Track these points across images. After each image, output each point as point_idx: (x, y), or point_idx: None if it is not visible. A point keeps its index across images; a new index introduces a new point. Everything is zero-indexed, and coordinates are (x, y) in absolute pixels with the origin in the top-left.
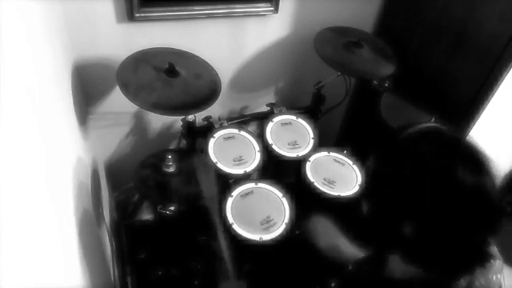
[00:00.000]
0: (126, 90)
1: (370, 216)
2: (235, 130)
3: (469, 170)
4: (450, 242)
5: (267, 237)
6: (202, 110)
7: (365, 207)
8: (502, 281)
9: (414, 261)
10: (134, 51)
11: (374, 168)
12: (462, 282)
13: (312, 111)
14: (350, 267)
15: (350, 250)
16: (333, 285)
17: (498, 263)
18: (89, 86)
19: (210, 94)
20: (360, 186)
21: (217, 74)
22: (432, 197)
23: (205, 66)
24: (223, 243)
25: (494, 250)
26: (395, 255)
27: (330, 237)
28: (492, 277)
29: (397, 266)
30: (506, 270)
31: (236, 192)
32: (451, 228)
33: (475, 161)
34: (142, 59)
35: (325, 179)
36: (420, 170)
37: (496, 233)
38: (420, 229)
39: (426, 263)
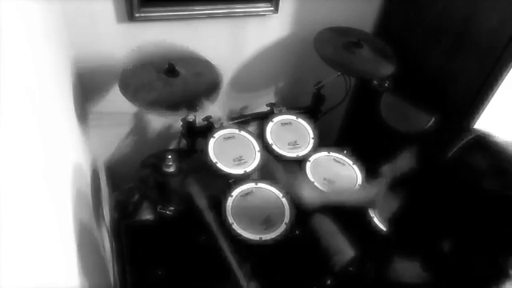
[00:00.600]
0: (125, 90)
1: (399, 223)
2: (235, 130)
3: (498, 179)
4: (483, 260)
5: (267, 237)
6: (202, 107)
7: (388, 211)
8: None
9: (436, 272)
10: (134, 51)
11: (417, 174)
12: None
13: (312, 111)
14: (351, 268)
15: (349, 249)
16: (328, 282)
17: None
18: (89, 86)
19: (210, 90)
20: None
21: (218, 70)
22: (483, 216)
23: (205, 64)
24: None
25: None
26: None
27: (331, 236)
28: None
29: (404, 268)
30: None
31: (236, 192)
32: (492, 247)
33: (503, 169)
34: (143, 59)
35: (325, 179)
36: (476, 188)
37: None
38: (460, 246)
39: (447, 276)
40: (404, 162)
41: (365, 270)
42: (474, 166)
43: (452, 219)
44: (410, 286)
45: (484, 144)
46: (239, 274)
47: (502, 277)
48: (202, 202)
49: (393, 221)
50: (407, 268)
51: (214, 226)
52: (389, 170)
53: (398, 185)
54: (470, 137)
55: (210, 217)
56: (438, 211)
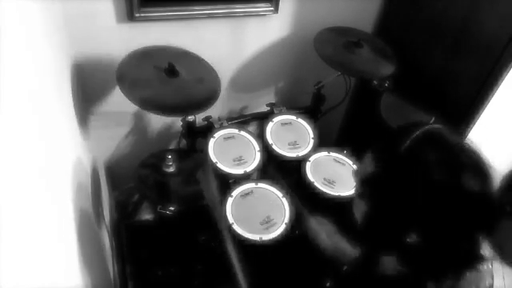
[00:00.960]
0: (122, 82)
1: (369, 222)
2: (235, 130)
3: (474, 177)
4: (450, 247)
5: (267, 237)
6: (197, 113)
7: (360, 211)
8: (503, 282)
9: (410, 264)
10: (134, 51)
11: (375, 173)
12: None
13: (312, 111)
14: (345, 267)
15: (348, 250)
16: (327, 285)
17: (492, 266)
18: (89, 86)
19: (207, 98)
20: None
21: (217, 76)
22: (439, 206)
23: (206, 67)
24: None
25: (489, 252)
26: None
27: (329, 237)
28: (484, 283)
29: (390, 262)
30: (506, 269)
31: (236, 192)
32: (454, 234)
33: (479, 167)
34: (144, 57)
35: (325, 179)
36: (427, 180)
37: (492, 234)
38: (425, 237)
39: (421, 266)
40: (367, 163)
41: (357, 267)
42: (424, 158)
43: (411, 212)
44: (393, 279)
45: (433, 136)
46: (240, 274)
47: (474, 259)
48: (213, 195)
49: (363, 222)
50: (388, 261)
51: (223, 224)
52: (355, 175)
53: (363, 187)
54: (420, 130)
55: (220, 212)
56: (398, 206)
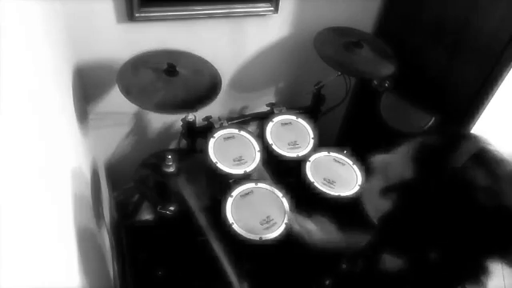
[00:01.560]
0: (128, 93)
1: (390, 223)
2: (235, 130)
3: (491, 190)
4: (466, 265)
5: (267, 237)
6: (206, 104)
7: (380, 208)
8: (503, 282)
9: (422, 275)
10: (134, 51)
11: (416, 181)
12: None
13: (312, 111)
14: (344, 266)
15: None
16: (327, 283)
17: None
18: (89, 86)
19: (211, 88)
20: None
21: (215, 68)
22: (476, 229)
23: (203, 62)
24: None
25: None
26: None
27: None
28: None
29: (392, 261)
30: (506, 270)
31: (236, 192)
32: (475, 255)
33: (496, 177)
34: (142, 61)
35: (325, 179)
36: (472, 204)
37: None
38: (447, 257)
39: (433, 278)
40: (399, 158)
41: (357, 265)
42: (475, 182)
43: (443, 230)
44: (395, 277)
45: (485, 160)
46: (232, 274)
47: (481, 273)
48: (193, 203)
49: (383, 221)
50: (390, 260)
51: (206, 228)
52: (380, 162)
53: (393, 187)
54: (474, 151)
55: (201, 218)
56: (429, 220)
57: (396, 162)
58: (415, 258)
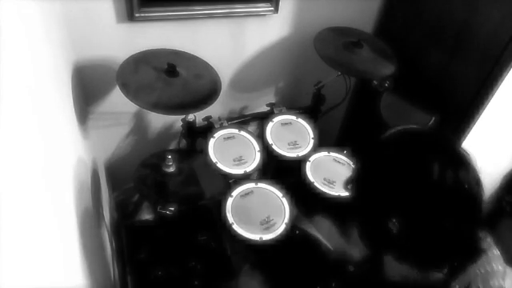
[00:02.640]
0: (126, 90)
1: (358, 214)
2: (235, 130)
3: (446, 166)
4: (436, 236)
5: (267, 237)
6: (202, 109)
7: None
8: (503, 282)
9: (404, 257)
10: (134, 51)
11: (359, 166)
12: (459, 284)
13: (312, 111)
14: (351, 268)
15: (350, 250)
16: (333, 285)
17: (500, 268)
18: (89, 86)
19: (210, 93)
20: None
21: (217, 73)
22: (412, 193)
23: (205, 66)
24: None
25: (496, 252)
26: (389, 256)
27: (331, 237)
28: (494, 283)
29: (393, 266)
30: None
31: (236, 192)
32: (434, 222)
33: (451, 156)
34: (142, 60)
35: (325, 179)
36: (400, 168)
37: (479, 224)
38: (405, 224)
39: (416, 259)
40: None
41: (363, 269)
42: (395, 149)
43: (394, 198)
44: (400, 284)
45: (408, 131)
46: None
47: (475, 252)
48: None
49: (351, 186)
50: (396, 267)
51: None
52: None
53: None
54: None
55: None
56: (377, 193)
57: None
58: (381, 234)
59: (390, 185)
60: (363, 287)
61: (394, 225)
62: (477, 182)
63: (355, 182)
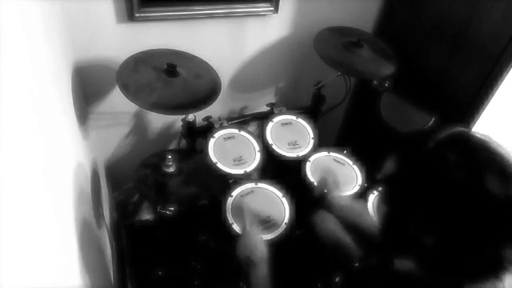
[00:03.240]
0: (126, 90)
1: (388, 224)
2: (235, 130)
3: (498, 181)
4: (471, 253)
5: (267, 237)
6: (202, 109)
7: (381, 212)
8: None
9: (429, 269)
10: (134, 51)
11: (396, 173)
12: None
13: (312, 111)
14: (357, 264)
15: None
16: (336, 280)
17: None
18: (89, 86)
19: (210, 93)
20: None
21: (216, 73)
22: (459, 209)
23: (205, 66)
24: None
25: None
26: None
27: (335, 233)
28: None
29: (405, 266)
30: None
31: (236, 192)
32: (475, 239)
33: (504, 170)
34: (142, 60)
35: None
36: (448, 181)
37: None
38: (443, 240)
39: (441, 271)
40: (389, 165)
41: (369, 265)
42: (444, 158)
43: (429, 213)
44: (410, 279)
45: (456, 138)
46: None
47: (500, 269)
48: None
49: (383, 225)
50: (403, 264)
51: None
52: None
53: (384, 188)
54: (444, 132)
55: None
56: (417, 206)
57: (387, 164)
58: (412, 244)
59: (435, 198)
60: (368, 283)
61: (429, 239)
62: None
63: (392, 191)
